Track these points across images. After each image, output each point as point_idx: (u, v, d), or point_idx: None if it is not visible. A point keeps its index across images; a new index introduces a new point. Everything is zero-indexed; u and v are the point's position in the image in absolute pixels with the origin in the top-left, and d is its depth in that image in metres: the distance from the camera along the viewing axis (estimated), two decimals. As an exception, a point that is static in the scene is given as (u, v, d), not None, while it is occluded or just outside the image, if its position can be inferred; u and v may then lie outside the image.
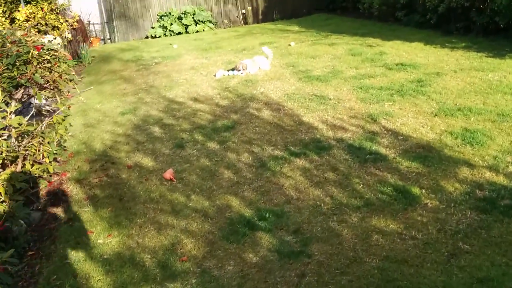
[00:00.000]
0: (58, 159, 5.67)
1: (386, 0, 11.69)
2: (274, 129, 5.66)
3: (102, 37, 14.98)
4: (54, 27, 12.17)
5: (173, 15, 14.75)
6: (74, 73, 4.79)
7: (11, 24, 12.37)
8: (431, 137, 4.96)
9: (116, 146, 5.66)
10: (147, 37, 14.94)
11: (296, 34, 11.97)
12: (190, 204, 4.16)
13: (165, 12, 14.86)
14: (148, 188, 4.54)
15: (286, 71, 8.27)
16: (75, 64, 11.41)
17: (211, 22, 14.98)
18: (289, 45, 10.56)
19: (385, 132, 5.22)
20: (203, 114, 6.44)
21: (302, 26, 13.42)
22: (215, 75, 8.41)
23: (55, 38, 11.00)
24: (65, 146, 5.99)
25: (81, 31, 13.44)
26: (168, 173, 4.64)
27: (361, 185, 4.16)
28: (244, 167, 4.77)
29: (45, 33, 11.69)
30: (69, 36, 11.44)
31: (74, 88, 5.02)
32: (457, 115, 5.41)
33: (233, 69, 8.52)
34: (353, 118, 5.71)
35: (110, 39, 14.97)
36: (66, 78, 4.67)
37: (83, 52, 11.58)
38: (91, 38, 14.41)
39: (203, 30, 14.65)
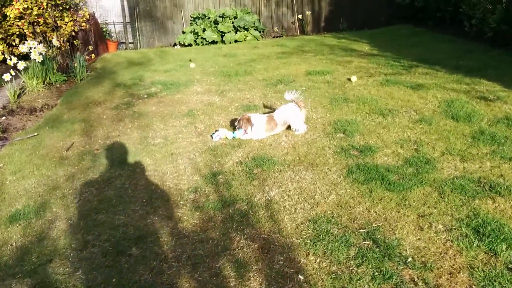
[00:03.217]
0: None
1: (510, 16, 7.53)
2: None
3: (123, 40, 12.19)
4: (55, 27, 9.47)
5: (209, 18, 11.56)
6: None
7: (1, 22, 9.81)
8: None
9: None
10: (175, 45, 11.92)
11: (363, 59, 8.21)
12: None
13: (200, 14, 11.70)
14: None
15: (330, 143, 4.68)
16: (63, 81, 8.63)
17: (256, 28, 11.59)
18: (349, 79, 6.89)
19: None
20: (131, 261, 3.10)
21: (375, 44, 9.58)
22: (212, 136, 5.04)
23: (39, 43, 8.33)
24: None
25: (94, 33, 10.72)
26: None
27: None
28: None
29: (40, 36, 9.05)
30: (57, 43, 8.60)
31: None
32: None
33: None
34: None
35: (132, 43, 12.16)
36: None
37: (76, 65, 8.73)
38: (108, 42, 11.66)
39: (244, 39, 11.30)
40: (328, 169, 4.17)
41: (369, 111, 5.53)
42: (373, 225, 3.26)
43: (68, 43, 9.44)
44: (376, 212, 3.43)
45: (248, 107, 6.01)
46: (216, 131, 5.12)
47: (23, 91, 8.08)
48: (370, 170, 4.05)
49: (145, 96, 6.90)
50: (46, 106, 7.31)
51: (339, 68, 7.68)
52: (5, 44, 9.86)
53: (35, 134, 5.75)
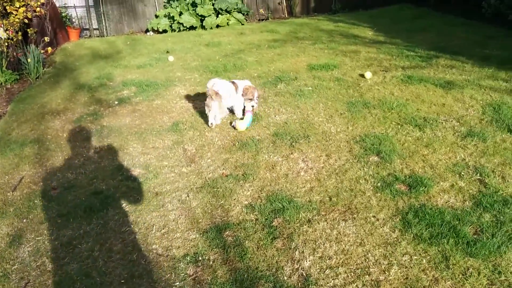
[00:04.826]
0: None
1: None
2: None
3: (87, 27, 10.63)
4: (4, 14, 7.90)
5: (185, 0, 10.12)
6: None
7: None
8: None
9: None
10: (147, 31, 10.47)
11: (371, 48, 7.08)
12: None
13: (175, -5, 10.25)
14: None
15: (365, 173, 3.61)
16: (15, 80, 7.16)
17: (240, 11, 10.26)
18: (362, 76, 5.76)
19: None
20: None
21: (379, 29, 8.46)
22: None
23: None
24: None
25: (51, 20, 9.16)
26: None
27: None
28: None
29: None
30: (4, 35, 7.07)
31: None
32: None
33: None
34: None
35: (97, 29, 10.63)
36: None
37: (29, 60, 7.24)
38: (68, 30, 10.09)
39: (227, 24, 9.97)
40: (373, 217, 3.06)
41: (400, 121, 4.43)
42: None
43: (20, 33, 7.92)
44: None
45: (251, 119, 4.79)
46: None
47: (-36, 95, 6.63)
48: (432, 218, 2.96)
49: (116, 103, 5.59)
50: (-9, 116, 5.90)
51: (346, 61, 6.53)
52: None
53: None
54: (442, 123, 4.34)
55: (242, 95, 4.65)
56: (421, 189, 3.30)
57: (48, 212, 3.40)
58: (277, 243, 2.89)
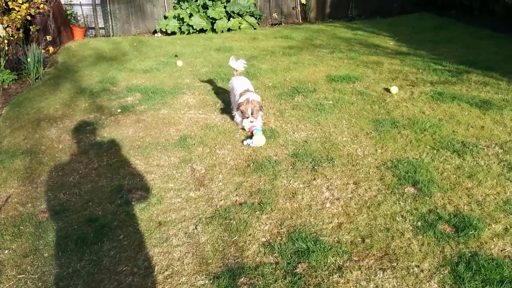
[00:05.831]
0: None
1: None
2: None
3: (92, 25, 10.18)
4: (5, 10, 7.49)
5: (196, 1, 9.67)
6: None
7: None
8: None
9: None
10: (155, 32, 10.02)
11: (394, 59, 6.58)
12: None
13: (185, -5, 9.80)
14: None
15: (401, 208, 3.16)
16: (13, 80, 6.71)
17: (252, 15, 9.79)
18: (387, 90, 5.27)
19: None
20: None
21: (400, 39, 7.96)
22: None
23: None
24: None
25: (55, 17, 8.73)
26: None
27: None
28: None
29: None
30: (3, 32, 6.63)
31: None
32: None
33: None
34: None
35: (104, 29, 10.18)
36: None
37: (29, 60, 6.79)
38: (73, 28, 9.65)
39: (239, 28, 9.50)
40: (416, 266, 2.57)
41: (435, 145, 3.94)
42: None
43: (21, 30, 7.48)
44: None
45: (263, 134, 4.31)
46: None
47: (-42, 96, 6.19)
48: (489, 272, 2.47)
49: (119, 110, 5.12)
50: (-16, 120, 5.44)
51: (368, 72, 6.04)
52: None
53: (-43, 174, 3.92)
54: (483, 149, 3.84)
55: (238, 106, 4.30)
56: (470, 232, 2.81)
57: (35, 242, 2.93)
58: (303, 297, 2.39)
